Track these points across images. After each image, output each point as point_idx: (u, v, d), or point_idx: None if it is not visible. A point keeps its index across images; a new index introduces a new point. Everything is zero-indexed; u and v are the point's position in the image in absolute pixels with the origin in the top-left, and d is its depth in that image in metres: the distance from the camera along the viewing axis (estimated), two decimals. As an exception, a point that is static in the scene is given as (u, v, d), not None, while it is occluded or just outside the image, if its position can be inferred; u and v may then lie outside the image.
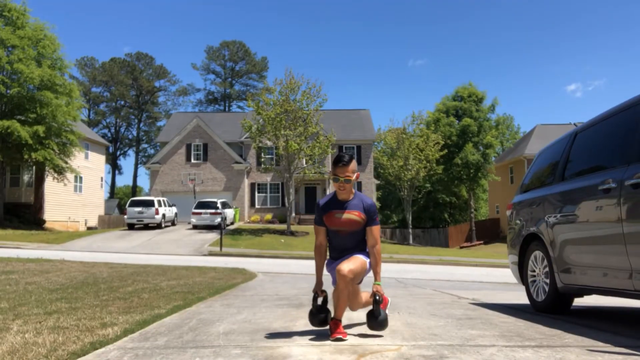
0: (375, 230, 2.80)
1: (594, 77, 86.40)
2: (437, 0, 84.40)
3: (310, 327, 2.88)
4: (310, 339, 2.62)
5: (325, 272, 2.91)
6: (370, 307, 2.76)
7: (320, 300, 2.78)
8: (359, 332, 2.83)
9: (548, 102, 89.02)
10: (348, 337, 2.63)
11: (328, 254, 2.92)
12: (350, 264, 2.68)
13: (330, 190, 28.88)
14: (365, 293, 2.92)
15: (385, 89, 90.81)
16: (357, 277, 2.73)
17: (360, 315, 3.56)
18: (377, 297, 2.69)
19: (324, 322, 2.74)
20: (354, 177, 2.75)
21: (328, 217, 2.79)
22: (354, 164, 2.76)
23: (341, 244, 2.81)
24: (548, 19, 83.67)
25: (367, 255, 2.83)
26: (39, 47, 22.64)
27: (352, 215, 2.76)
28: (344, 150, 29.52)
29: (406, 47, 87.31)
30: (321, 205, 2.83)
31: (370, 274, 2.87)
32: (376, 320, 2.68)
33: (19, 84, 21.47)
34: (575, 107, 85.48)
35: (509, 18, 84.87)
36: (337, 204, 2.79)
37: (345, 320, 3.25)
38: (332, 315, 2.75)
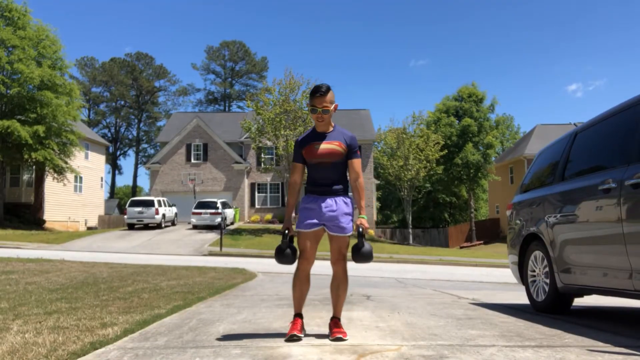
0: (357, 163, 2.72)
1: (595, 77, 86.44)
2: (438, 0, 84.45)
3: (310, 328, 2.87)
4: (310, 339, 2.62)
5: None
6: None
7: (288, 238, 2.69)
8: (359, 332, 2.83)
9: (548, 102, 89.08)
10: (348, 337, 2.62)
11: (304, 190, 2.84)
12: (342, 247, 2.67)
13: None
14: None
15: (385, 89, 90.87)
16: (346, 254, 2.72)
17: (360, 315, 3.56)
18: (361, 230, 2.65)
19: (291, 259, 2.67)
20: (332, 107, 2.67)
21: (308, 150, 2.69)
22: (331, 95, 2.67)
23: (323, 177, 2.69)
24: (548, 18, 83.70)
25: (351, 211, 2.72)
26: (39, 47, 22.65)
27: (333, 145, 2.67)
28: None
29: (407, 47, 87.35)
30: (300, 140, 2.74)
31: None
32: (359, 253, 2.64)
33: (19, 84, 21.48)
34: (575, 107, 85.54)
35: (510, 18, 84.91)
36: (317, 136, 2.70)
37: (344, 320, 3.25)
38: (295, 311, 2.72)
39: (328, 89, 2.67)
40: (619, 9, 76.82)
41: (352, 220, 2.73)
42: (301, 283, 2.73)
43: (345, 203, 2.72)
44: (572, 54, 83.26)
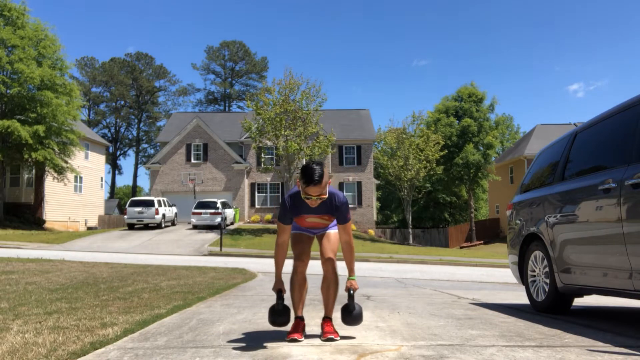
0: (348, 227, 2.66)
1: (596, 77, 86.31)
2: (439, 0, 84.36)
3: (310, 328, 2.87)
4: (310, 339, 2.62)
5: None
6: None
7: (282, 299, 2.67)
8: (359, 332, 2.83)
9: (549, 102, 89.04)
10: (339, 337, 2.61)
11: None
12: (331, 245, 2.68)
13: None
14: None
15: (385, 89, 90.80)
16: (336, 251, 2.73)
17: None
18: (351, 292, 2.64)
19: (287, 320, 2.66)
20: (326, 190, 2.51)
21: (299, 220, 2.70)
22: (325, 176, 2.46)
23: (312, 229, 2.77)
24: (549, 18, 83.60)
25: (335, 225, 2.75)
26: (39, 47, 22.64)
27: (323, 219, 2.68)
28: (344, 151, 29.52)
29: (407, 47, 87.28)
30: (289, 206, 2.60)
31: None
32: (351, 315, 2.64)
33: (19, 83, 21.47)
34: (576, 107, 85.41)
35: (510, 18, 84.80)
36: (307, 207, 2.59)
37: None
38: (295, 314, 2.69)
39: (321, 173, 2.44)
40: (621, 8, 76.62)
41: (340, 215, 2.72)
42: (299, 285, 2.71)
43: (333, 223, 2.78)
44: (574, 53, 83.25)
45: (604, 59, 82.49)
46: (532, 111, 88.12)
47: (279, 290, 2.66)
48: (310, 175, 2.43)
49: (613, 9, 77.98)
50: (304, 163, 2.66)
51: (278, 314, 2.63)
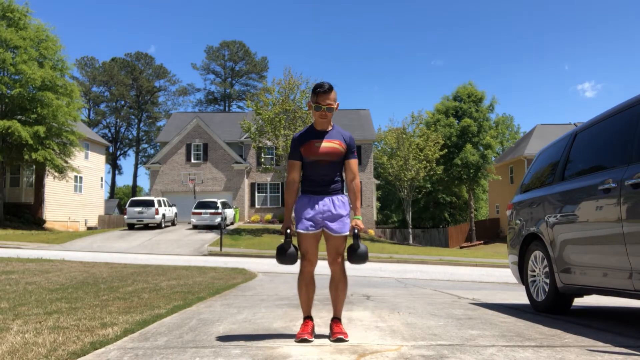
0: (354, 163, 2.71)
1: (607, 77, 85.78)
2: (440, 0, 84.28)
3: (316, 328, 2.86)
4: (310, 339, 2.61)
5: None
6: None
7: (290, 238, 2.64)
8: (359, 332, 2.83)
9: (557, 102, 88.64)
10: (349, 338, 2.61)
11: (300, 189, 2.80)
12: (339, 246, 2.65)
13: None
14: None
15: (385, 89, 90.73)
16: (344, 253, 2.71)
17: (360, 315, 3.56)
18: (356, 231, 2.62)
19: (294, 259, 2.64)
20: (335, 105, 2.66)
21: (307, 147, 2.65)
22: (334, 93, 2.65)
23: (320, 175, 2.67)
24: (551, 17, 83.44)
25: (347, 210, 2.71)
26: (40, 48, 22.65)
27: (334, 143, 2.65)
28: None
29: (408, 47, 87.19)
30: (298, 137, 2.69)
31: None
32: (356, 253, 2.62)
33: (21, 84, 21.49)
34: (586, 106, 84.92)
35: (510, 17, 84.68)
36: (316, 133, 2.67)
37: (344, 320, 3.25)
38: (304, 314, 2.69)
39: (331, 87, 2.65)
40: (623, 7, 76.18)
41: (348, 219, 2.71)
42: (307, 285, 2.70)
43: (342, 202, 2.70)
44: (585, 52, 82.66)
45: (616, 58, 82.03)
46: (537, 111, 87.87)
47: (286, 229, 2.64)
48: (321, 84, 2.64)
49: (626, 7, 77.26)
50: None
51: (286, 252, 2.61)
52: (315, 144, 2.66)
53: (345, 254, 2.67)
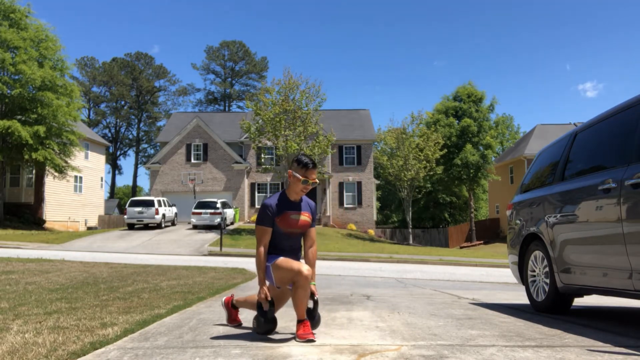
0: (314, 231, 2.85)
1: (609, 77, 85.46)
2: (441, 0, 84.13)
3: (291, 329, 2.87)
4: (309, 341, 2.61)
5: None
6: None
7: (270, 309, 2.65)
8: (359, 332, 2.83)
9: (556, 102, 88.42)
10: (346, 338, 2.62)
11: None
12: (308, 266, 2.71)
13: (330, 189, 28.87)
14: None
15: (385, 89, 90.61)
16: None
17: (360, 315, 3.55)
18: (315, 298, 2.70)
19: (275, 326, 2.68)
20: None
21: (283, 219, 2.70)
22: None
23: (291, 246, 2.78)
24: (552, 17, 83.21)
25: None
26: (40, 48, 22.66)
27: (305, 216, 2.78)
28: (344, 151, 29.50)
29: (409, 47, 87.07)
30: (273, 207, 2.70)
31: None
32: (314, 320, 2.71)
33: (21, 84, 21.48)
34: (585, 106, 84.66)
35: (511, 17, 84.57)
36: (290, 204, 2.74)
37: (344, 320, 3.25)
38: (274, 319, 2.70)
39: (316, 163, 2.80)
40: (627, 7, 75.79)
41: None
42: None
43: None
44: (585, 52, 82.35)
45: (618, 57, 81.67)
46: (538, 111, 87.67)
47: (271, 299, 2.66)
48: (310, 160, 2.76)
49: (628, 7, 76.89)
50: (295, 156, 2.77)
51: (267, 322, 2.63)
52: (291, 216, 2.74)
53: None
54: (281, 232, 2.72)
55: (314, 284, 2.71)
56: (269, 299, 2.64)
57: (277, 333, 2.81)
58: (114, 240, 18.40)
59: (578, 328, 3.02)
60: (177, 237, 19.59)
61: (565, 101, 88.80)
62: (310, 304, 2.70)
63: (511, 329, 2.94)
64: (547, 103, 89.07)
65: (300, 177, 2.71)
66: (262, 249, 2.69)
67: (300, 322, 2.67)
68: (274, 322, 2.66)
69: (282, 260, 2.69)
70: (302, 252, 2.85)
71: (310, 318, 2.67)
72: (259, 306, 2.64)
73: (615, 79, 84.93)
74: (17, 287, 5.05)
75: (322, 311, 3.64)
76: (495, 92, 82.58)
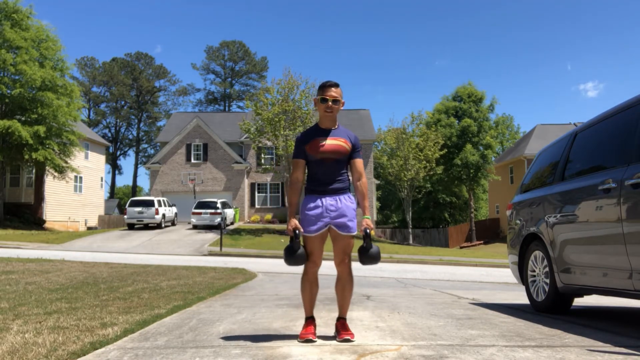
0: (359, 163, 2.70)
1: (610, 76, 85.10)
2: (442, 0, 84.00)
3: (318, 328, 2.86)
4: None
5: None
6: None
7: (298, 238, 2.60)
8: (359, 332, 2.83)
9: (557, 102, 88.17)
10: (355, 338, 2.60)
11: (304, 189, 2.76)
12: (345, 247, 2.62)
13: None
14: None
15: (386, 89, 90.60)
16: (351, 254, 2.68)
17: (360, 315, 3.55)
18: (367, 231, 2.59)
19: (303, 259, 2.60)
20: (341, 102, 2.67)
21: (312, 145, 2.62)
22: (340, 90, 2.67)
23: (325, 174, 2.63)
24: (553, 16, 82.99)
25: (354, 209, 2.67)
26: (41, 48, 22.67)
27: (339, 141, 2.63)
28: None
29: (409, 46, 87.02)
30: (302, 136, 2.68)
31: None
32: (368, 254, 2.59)
33: (21, 84, 21.49)
34: (586, 106, 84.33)
35: (513, 16, 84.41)
36: (321, 132, 2.66)
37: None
38: (306, 314, 2.67)
39: (337, 83, 2.69)
40: (634, 6, 75.36)
41: (355, 219, 2.69)
42: (311, 285, 2.67)
43: (349, 202, 2.67)
44: (586, 52, 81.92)
45: (619, 57, 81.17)
46: (538, 111, 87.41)
47: (293, 230, 2.59)
48: (327, 81, 2.67)
49: (630, 6, 76.48)
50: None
51: (294, 253, 2.56)
52: (320, 141, 2.64)
53: (356, 254, 2.63)
54: (312, 159, 2.65)
55: (368, 218, 2.59)
56: (299, 230, 2.58)
57: (277, 333, 2.81)
58: (114, 240, 18.40)
59: (578, 328, 3.02)
60: (177, 237, 19.59)
61: (566, 101, 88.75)
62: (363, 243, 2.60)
63: (511, 329, 2.94)
64: (548, 103, 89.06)
65: (319, 98, 2.64)
66: (293, 181, 2.69)
67: (307, 319, 2.66)
68: (301, 256, 2.57)
69: (307, 238, 2.62)
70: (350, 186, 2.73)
71: (363, 252, 2.59)
72: (290, 239, 2.61)
73: (617, 78, 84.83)
74: (17, 287, 5.05)
75: (322, 311, 3.64)
76: (495, 91, 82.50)
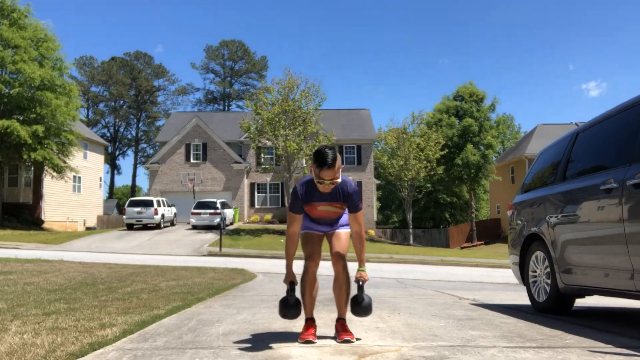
0: (359, 216, 2.63)
1: (612, 76, 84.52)
2: None
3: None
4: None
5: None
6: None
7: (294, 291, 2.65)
8: (359, 333, 2.81)
9: (558, 101, 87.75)
10: (355, 339, 2.60)
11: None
12: (342, 245, 2.65)
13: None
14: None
15: (386, 89, 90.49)
16: (347, 251, 2.70)
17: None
18: (361, 283, 2.62)
19: (297, 316, 2.64)
20: (340, 174, 2.50)
21: (310, 209, 2.64)
22: (339, 160, 2.47)
23: (322, 221, 2.73)
24: (555, 15, 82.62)
25: (346, 224, 2.73)
26: (40, 47, 22.64)
27: (334, 207, 2.62)
28: (344, 150, 29.49)
29: (411, 46, 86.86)
30: (300, 195, 2.59)
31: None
32: (360, 306, 2.62)
33: (20, 84, 21.45)
34: (588, 106, 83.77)
35: (514, 15, 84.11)
36: (319, 195, 2.59)
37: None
38: (306, 315, 2.68)
39: (335, 156, 2.45)
40: (638, 6, 74.94)
41: (347, 229, 2.74)
42: (311, 286, 2.67)
43: (345, 220, 2.75)
44: (589, 51, 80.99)
45: (622, 56, 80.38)
46: (539, 110, 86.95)
47: (290, 282, 2.62)
48: (323, 158, 2.43)
49: (633, 4, 76.06)
50: (317, 149, 2.57)
51: (290, 306, 2.61)
52: (317, 207, 2.64)
53: (351, 263, 2.67)
54: (311, 217, 2.71)
55: (364, 270, 2.61)
56: (295, 283, 2.61)
57: (277, 334, 2.80)
58: (113, 241, 18.37)
59: (579, 329, 3.01)
60: (176, 237, 19.56)
61: (568, 101, 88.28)
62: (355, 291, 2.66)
63: (512, 330, 2.93)
64: (550, 102, 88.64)
65: (316, 179, 2.50)
66: (290, 235, 2.64)
67: (307, 320, 2.67)
68: (295, 310, 2.61)
69: (304, 236, 2.66)
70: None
71: (355, 304, 2.62)
72: (287, 291, 2.64)
73: (620, 78, 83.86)
74: (16, 288, 5.03)
75: (322, 312, 3.63)
76: (496, 91, 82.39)
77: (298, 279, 2.68)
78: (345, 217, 2.74)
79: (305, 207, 2.64)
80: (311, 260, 2.67)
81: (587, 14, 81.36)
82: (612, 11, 78.53)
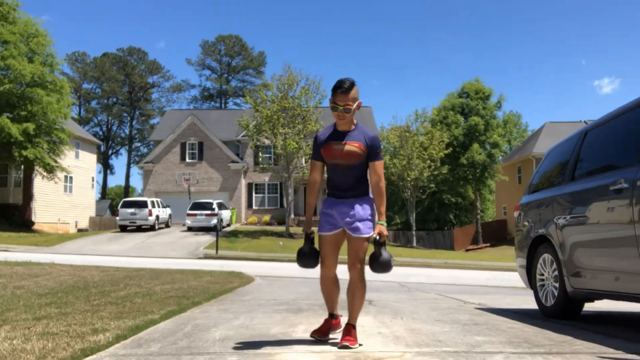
0: (378, 165, 2.62)
1: (621, 73, 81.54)
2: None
3: (309, 334, 2.78)
4: (310, 346, 2.56)
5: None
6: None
7: (311, 241, 2.66)
8: (361, 339, 2.75)
9: (570, 99, 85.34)
10: (357, 345, 2.53)
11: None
12: (359, 251, 2.58)
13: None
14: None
15: (389, 86, 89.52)
16: (364, 256, 2.64)
17: (362, 320, 3.45)
18: (378, 238, 2.56)
19: (314, 262, 2.65)
20: (355, 105, 2.54)
21: (326, 150, 2.60)
22: (355, 91, 2.54)
23: (340, 179, 2.62)
24: (567, 9, 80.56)
25: (366, 218, 2.61)
26: (30, 43, 22.39)
27: (352, 147, 2.56)
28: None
29: (412, 43, 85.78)
30: (319, 138, 2.65)
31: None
32: (378, 262, 2.53)
33: (10, 80, 21.17)
34: (601, 103, 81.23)
35: (524, 9, 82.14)
36: (337, 135, 2.60)
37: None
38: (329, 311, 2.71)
39: (352, 84, 2.54)
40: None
41: (372, 223, 2.63)
42: (327, 288, 2.70)
43: (363, 207, 2.62)
44: (602, 46, 78.01)
45: (637, 52, 76.88)
46: (548, 108, 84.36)
47: (307, 233, 2.65)
48: (340, 82, 2.54)
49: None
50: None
51: (306, 255, 2.63)
52: (334, 146, 2.61)
53: (368, 262, 2.60)
54: (327, 164, 2.66)
55: (383, 224, 2.56)
56: (311, 234, 2.64)
57: (275, 339, 2.74)
58: (106, 243, 18.20)
59: (589, 334, 2.98)
60: (171, 239, 19.42)
61: (579, 98, 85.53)
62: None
63: (519, 335, 2.89)
64: (560, 100, 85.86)
65: (331, 105, 2.55)
66: (310, 183, 2.74)
67: (329, 315, 2.72)
68: (311, 259, 2.62)
69: (321, 239, 2.65)
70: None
71: (373, 260, 2.56)
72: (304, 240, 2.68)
73: (634, 74, 78.78)
74: (5, 292, 4.94)
75: (322, 317, 3.54)
76: (502, 88, 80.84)
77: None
78: (366, 215, 2.58)
79: (322, 150, 2.63)
80: (325, 266, 2.65)
81: (601, 8, 76.15)
82: (629, 5, 73.84)
